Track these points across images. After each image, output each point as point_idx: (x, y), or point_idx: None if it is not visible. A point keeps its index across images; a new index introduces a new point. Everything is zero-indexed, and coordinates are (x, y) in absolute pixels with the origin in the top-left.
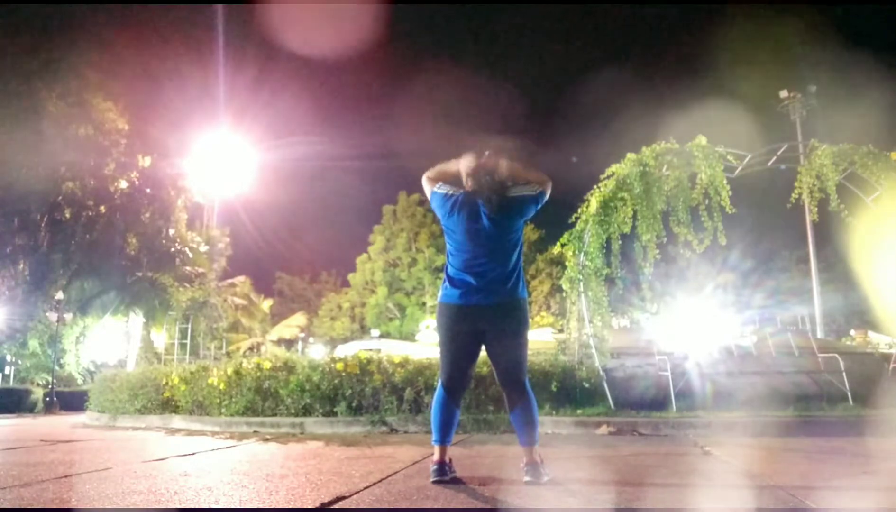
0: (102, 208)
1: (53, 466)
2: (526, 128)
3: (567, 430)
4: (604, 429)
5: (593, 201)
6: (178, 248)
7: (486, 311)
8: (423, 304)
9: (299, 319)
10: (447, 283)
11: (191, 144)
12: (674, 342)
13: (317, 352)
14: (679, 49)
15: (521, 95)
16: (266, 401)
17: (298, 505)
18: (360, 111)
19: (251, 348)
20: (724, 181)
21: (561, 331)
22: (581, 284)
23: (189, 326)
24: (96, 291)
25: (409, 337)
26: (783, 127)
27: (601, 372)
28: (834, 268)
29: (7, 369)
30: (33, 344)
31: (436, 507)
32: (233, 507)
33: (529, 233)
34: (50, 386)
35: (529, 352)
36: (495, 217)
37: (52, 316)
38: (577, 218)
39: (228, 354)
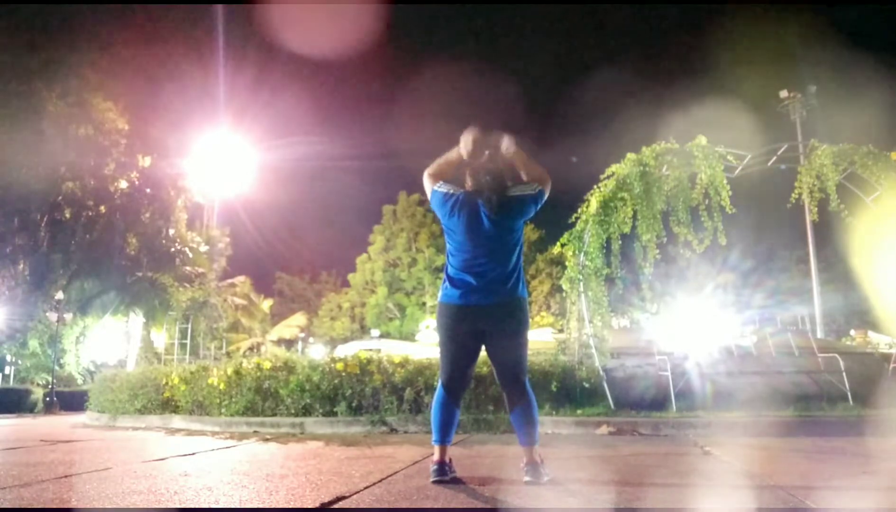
0: (102, 208)
1: (53, 466)
2: (526, 127)
3: (567, 430)
4: (604, 429)
5: (593, 201)
6: (178, 248)
7: (486, 310)
8: (423, 304)
9: (299, 319)
10: (447, 283)
11: (191, 144)
12: (674, 342)
13: (317, 352)
14: (679, 49)
15: (522, 95)
16: (266, 401)
17: (298, 505)
18: (360, 111)
19: (251, 348)
20: (724, 181)
21: (561, 331)
22: (581, 284)
23: (189, 326)
24: (96, 291)
25: (409, 337)
26: (783, 127)
27: (601, 372)
28: (834, 268)
29: (7, 369)
30: (33, 344)
31: (436, 507)
32: (233, 507)
33: (529, 233)
34: (50, 386)
35: (529, 352)
36: (495, 217)
37: (52, 316)
38: (577, 218)
39: (228, 354)
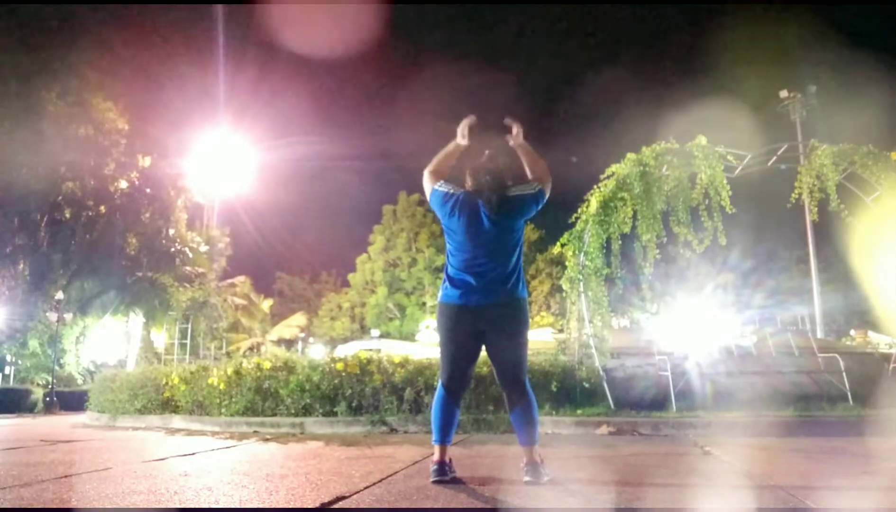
0: (102, 208)
1: (53, 466)
2: (526, 127)
3: (567, 430)
4: (604, 429)
5: (593, 201)
6: (178, 248)
7: (486, 311)
8: (423, 304)
9: (299, 319)
10: (447, 283)
11: (191, 144)
12: (674, 342)
13: (317, 352)
14: (679, 49)
15: (522, 95)
16: (266, 401)
17: (298, 505)
18: (360, 111)
19: (251, 348)
20: (724, 181)
21: (561, 331)
22: (581, 284)
23: (189, 326)
24: (96, 291)
25: (409, 337)
26: (783, 127)
27: (601, 372)
28: (834, 268)
29: (7, 369)
30: (33, 344)
31: (436, 507)
32: (233, 507)
33: (529, 233)
34: (50, 386)
35: (529, 352)
36: (495, 217)
37: (52, 316)
38: (577, 218)
39: (228, 354)
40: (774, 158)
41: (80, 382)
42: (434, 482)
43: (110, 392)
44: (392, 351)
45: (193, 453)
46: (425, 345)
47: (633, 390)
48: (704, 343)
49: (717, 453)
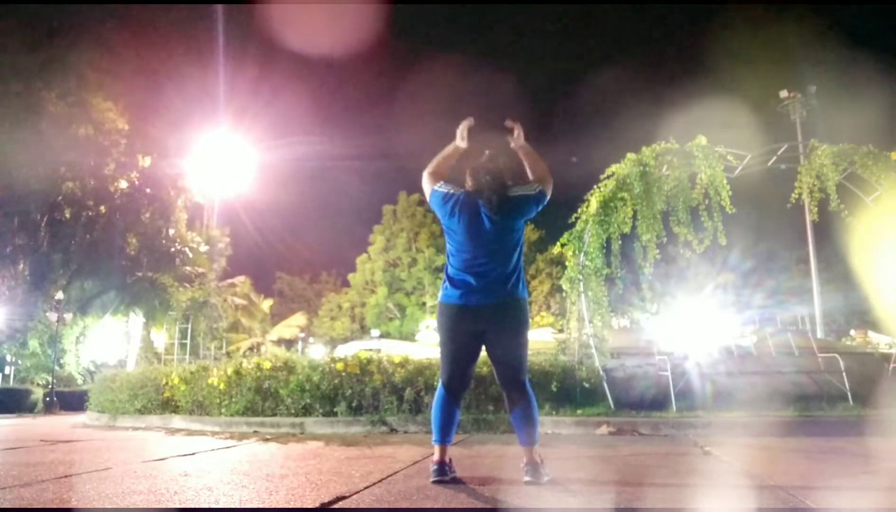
0: (102, 208)
1: (53, 466)
2: (526, 127)
3: (567, 430)
4: (604, 429)
5: (593, 201)
6: (178, 248)
7: (486, 311)
8: (423, 304)
9: (299, 319)
10: (447, 283)
11: (191, 144)
12: (674, 342)
13: (317, 352)
14: (679, 49)
15: (522, 95)
16: (266, 401)
17: (298, 505)
18: (360, 111)
19: (251, 348)
20: (724, 181)
21: (561, 331)
22: (581, 284)
23: (189, 326)
24: (96, 291)
25: (409, 337)
26: (783, 127)
27: (601, 372)
28: (834, 268)
29: (7, 369)
30: (33, 344)
31: (436, 507)
32: (233, 507)
33: (529, 233)
34: (50, 386)
35: (529, 352)
36: (496, 217)
37: (52, 316)
38: (577, 218)
39: (228, 354)
40: (774, 158)
41: (80, 382)
42: (434, 482)
43: (110, 392)
44: (392, 351)
45: (193, 453)
46: (425, 345)
47: (633, 390)
48: (704, 343)
49: (717, 453)
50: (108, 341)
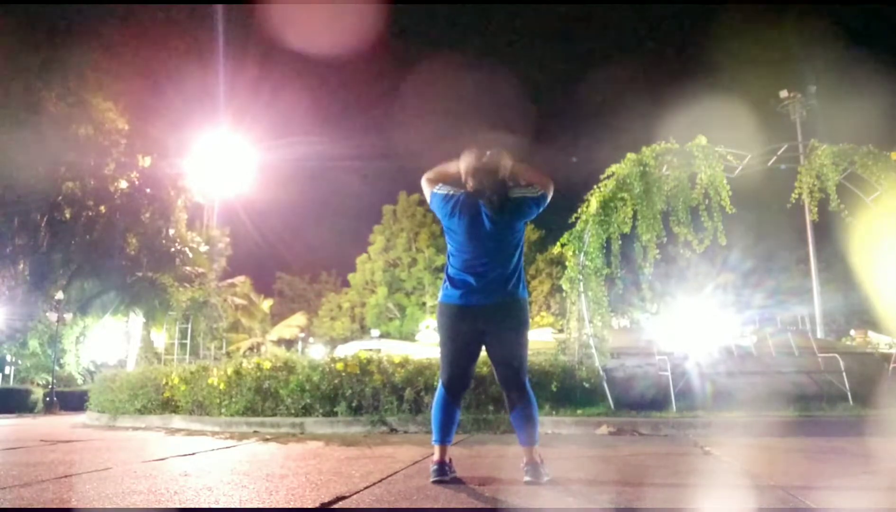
0: (102, 208)
1: (53, 466)
2: (526, 127)
3: (567, 430)
4: (604, 429)
5: (593, 201)
6: (178, 248)
7: (487, 311)
8: (423, 304)
9: (299, 319)
10: (447, 283)
11: (191, 144)
12: (674, 342)
13: (317, 352)
14: (679, 49)
15: (522, 95)
16: (266, 401)
17: (298, 505)
18: (360, 111)
19: (251, 348)
20: (724, 181)
21: (561, 331)
22: (581, 284)
23: (189, 326)
24: (96, 291)
25: (409, 337)
26: (783, 127)
27: (601, 372)
28: (834, 268)
29: (7, 369)
30: (33, 344)
31: (436, 507)
32: (233, 507)
33: (529, 233)
34: (50, 386)
35: (529, 352)
36: (496, 218)
37: (52, 316)
38: (577, 218)
39: (228, 354)
40: (774, 158)
41: (80, 382)
42: (434, 482)
43: (110, 392)
44: (392, 351)
45: (193, 453)
46: (425, 345)
47: (633, 390)
48: (704, 343)
49: (717, 453)
50: (108, 341)
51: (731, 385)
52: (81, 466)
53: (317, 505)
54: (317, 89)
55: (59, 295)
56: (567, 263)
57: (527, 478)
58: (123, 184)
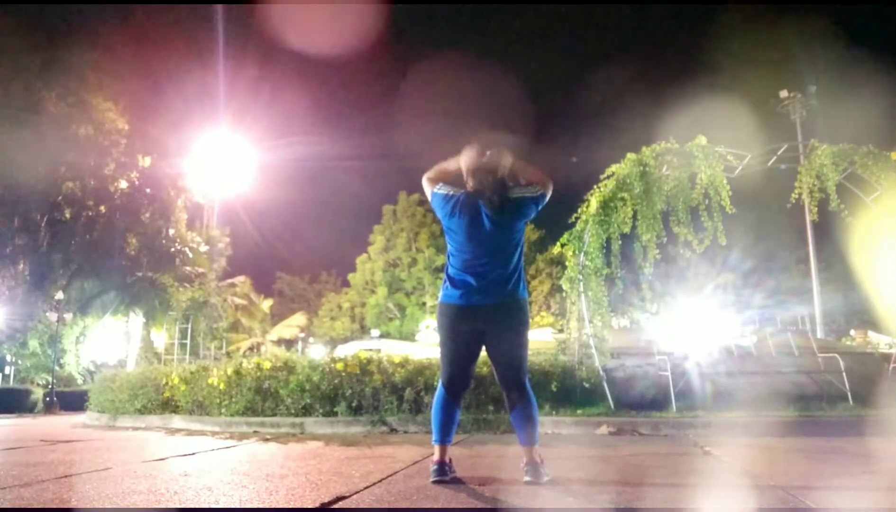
0: (102, 208)
1: (53, 466)
2: (526, 127)
3: (567, 430)
4: (604, 429)
5: (593, 201)
6: (178, 248)
7: (487, 311)
8: (423, 304)
9: (299, 319)
10: (448, 283)
11: (191, 144)
12: (674, 342)
13: (317, 352)
14: (679, 49)
15: (522, 95)
16: (266, 401)
17: (298, 505)
18: (360, 111)
19: (251, 348)
20: (724, 181)
21: (561, 331)
22: (581, 284)
23: (189, 326)
24: (96, 291)
25: (409, 337)
26: (783, 127)
27: (601, 372)
28: (834, 268)
29: (7, 369)
30: (33, 344)
31: (436, 507)
32: (233, 507)
33: (529, 233)
34: (50, 386)
35: (529, 352)
36: (496, 218)
37: (52, 316)
38: (577, 218)
39: (228, 354)
40: (774, 158)
41: (80, 382)
42: (434, 482)
43: (110, 392)
44: (392, 351)
45: (193, 453)
46: (425, 345)
47: (633, 390)
48: (704, 343)
49: (717, 453)
50: (108, 341)
51: (731, 385)
52: (81, 466)
53: (317, 505)
54: (317, 89)
55: (59, 295)
56: (567, 263)
57: (527, 478)
58: (123, 184)
